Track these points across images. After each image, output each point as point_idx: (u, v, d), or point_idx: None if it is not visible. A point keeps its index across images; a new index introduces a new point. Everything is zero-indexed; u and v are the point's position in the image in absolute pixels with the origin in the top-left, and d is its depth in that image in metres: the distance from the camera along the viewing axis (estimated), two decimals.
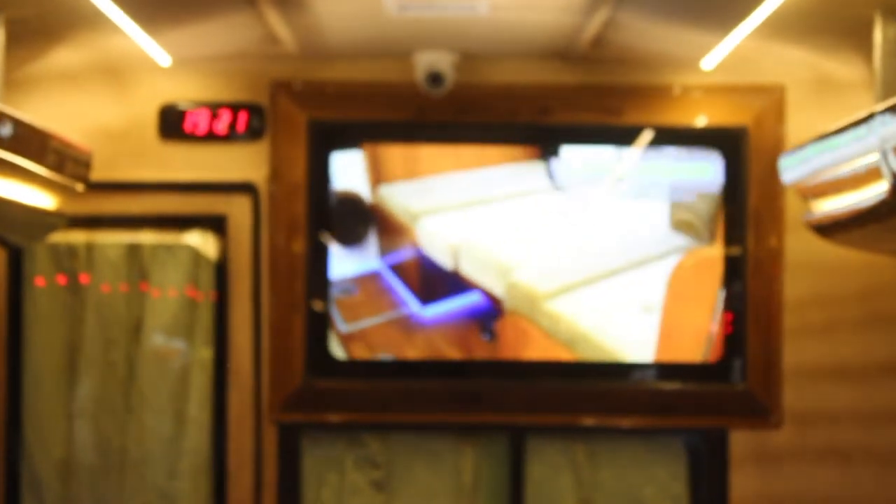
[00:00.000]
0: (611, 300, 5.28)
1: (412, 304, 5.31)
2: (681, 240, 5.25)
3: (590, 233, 5.28)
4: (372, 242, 5.28)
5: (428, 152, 5.29)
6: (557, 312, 5.28)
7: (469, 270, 5.30)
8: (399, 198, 5.27)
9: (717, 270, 5.23)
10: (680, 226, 5.24)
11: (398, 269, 5.32)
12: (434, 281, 5.32)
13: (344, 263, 5.27)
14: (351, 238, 5.26)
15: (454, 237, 5.28)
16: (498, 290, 5.29)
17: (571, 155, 5.29)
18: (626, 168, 5.23)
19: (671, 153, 5.23)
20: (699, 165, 5.22)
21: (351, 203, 5.25)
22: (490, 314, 5.30)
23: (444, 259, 5.29)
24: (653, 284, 5.26)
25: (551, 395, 5.24)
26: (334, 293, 5.26)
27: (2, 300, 5.21)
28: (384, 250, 5.29)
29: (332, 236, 5.22)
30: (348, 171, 5.24)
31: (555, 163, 5.27)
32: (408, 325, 5.34)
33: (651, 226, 5.26)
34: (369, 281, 5.32)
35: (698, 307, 5.27)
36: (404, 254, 5.31)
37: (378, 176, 5.25)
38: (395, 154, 5.29)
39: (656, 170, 5.22)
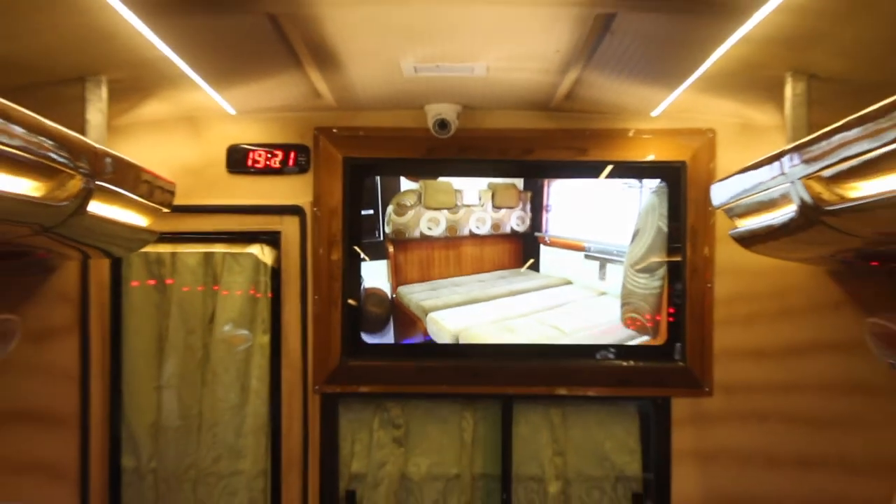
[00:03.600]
0: None
1: None
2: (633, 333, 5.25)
3: (562, 322, 5.26)
4: (390, 329, 5.26)
5: (438, 262, 5.27)
6: None
7: None
8: (413, 296, 5.26)
9: None
10: (629, 323, 5.23)
11: None
12: None
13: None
14: (375, 325, 5.25)
15: (455, 327, 5.26)
16: None
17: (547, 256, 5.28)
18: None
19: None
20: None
21: (377, 298, 5.25)
22: None
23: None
24: None
25: (533, 371, 5.22)
26: None
27: (106, 298, 5.20)
28: (399, 336, 5.27)
29: (360, 323, 5.20)
30: (376, 273, 5.23)
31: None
32: None
33: (610, 319, 5.25)
34: None
35: None
36: (415, 339, 5.29)
37: (398, 278, 5.25)
38: (412, 263, 5.26)
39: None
